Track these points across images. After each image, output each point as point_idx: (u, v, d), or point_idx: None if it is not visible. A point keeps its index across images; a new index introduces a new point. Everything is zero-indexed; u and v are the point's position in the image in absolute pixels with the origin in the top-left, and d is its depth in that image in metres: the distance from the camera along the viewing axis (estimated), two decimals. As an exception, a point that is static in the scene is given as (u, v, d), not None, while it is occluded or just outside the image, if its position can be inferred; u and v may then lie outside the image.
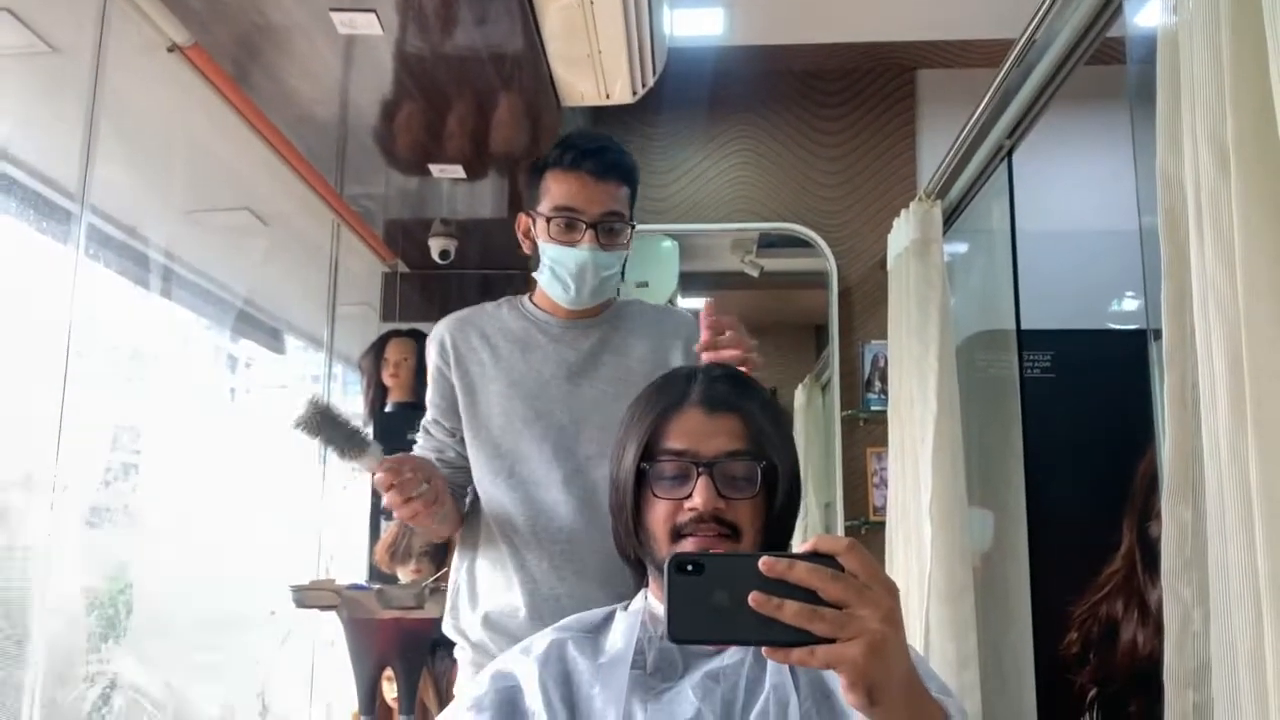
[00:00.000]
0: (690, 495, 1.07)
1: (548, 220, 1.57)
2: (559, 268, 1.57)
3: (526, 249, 1.66)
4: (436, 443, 1.69)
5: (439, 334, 1.68)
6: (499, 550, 1.60)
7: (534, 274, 1.64)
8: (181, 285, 2.83)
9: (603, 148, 1.56)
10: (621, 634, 1.10)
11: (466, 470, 1.66)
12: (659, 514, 1.09)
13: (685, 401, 1.13)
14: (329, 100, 2.45)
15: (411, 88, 2.37)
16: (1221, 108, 1.09)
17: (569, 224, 1.55)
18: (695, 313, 1.53)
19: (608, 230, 1.56)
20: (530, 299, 1.70)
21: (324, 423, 1.36)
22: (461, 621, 1.62)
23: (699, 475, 1.07)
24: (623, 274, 1.64)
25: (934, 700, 0.82)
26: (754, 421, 1.12)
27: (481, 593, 1.61)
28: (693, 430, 1.10)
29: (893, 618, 0.76)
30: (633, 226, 1.61)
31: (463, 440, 1.66)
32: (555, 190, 1.56)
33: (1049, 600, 2.60)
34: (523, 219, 1.65)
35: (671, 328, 1.68)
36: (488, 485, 1.62)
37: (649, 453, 1.11)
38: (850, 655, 0.73)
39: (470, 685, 1.11)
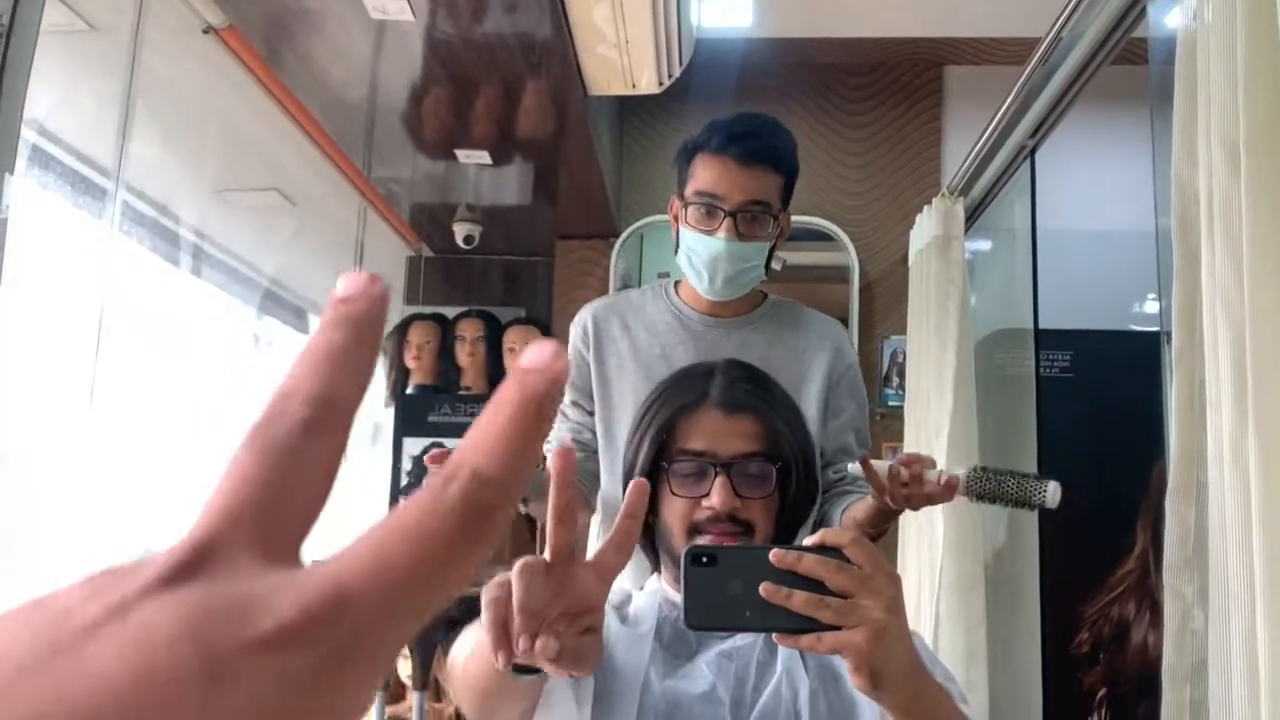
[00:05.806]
0: (708, 494, 1.09)
1: (687, 205, 1.51)
2: (694, 256, 1.52)
3: (675, 232, 1.59)
4: (573, 424, 1.64)
5: (583, 317, 1.64)
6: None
7: (676, 258, 1.59)
8: (210, 263, 2.88)
9: (752, 131, 1.47)
10: (645, 608, 1.13)
11: None
12: (676, 510, 1.11)
13: (704, 401, 1.15)
14: (358, 83, 2.48)
15: (440, 73, 2.40)
16: (1235, 111, 1.10)
17: (708, 211, 1.48)
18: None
19: (748, 219, 1.48)
20: (676, 289, 1.64)
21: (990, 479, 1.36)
22: None
23: (716, 475, 1.09)
24: (767, 267, 1.57)
25: (938, 685, 0.86)
26: (770, 422, 1.14)
27: None
28: (711, 431, 1.12)
29: (895, 606, 0.81)
30: (775, 218, 1.51)
31: None
32: (700, 174, 1.49)
33: (1061, 599, 2.60)
34: (674, 202, 1.58)
35: (819, 335, 1.61)
36: (606, 480, 1.59)
37: (666, 450, 1.14)
38: (855, 641, 0.78)
39: None
